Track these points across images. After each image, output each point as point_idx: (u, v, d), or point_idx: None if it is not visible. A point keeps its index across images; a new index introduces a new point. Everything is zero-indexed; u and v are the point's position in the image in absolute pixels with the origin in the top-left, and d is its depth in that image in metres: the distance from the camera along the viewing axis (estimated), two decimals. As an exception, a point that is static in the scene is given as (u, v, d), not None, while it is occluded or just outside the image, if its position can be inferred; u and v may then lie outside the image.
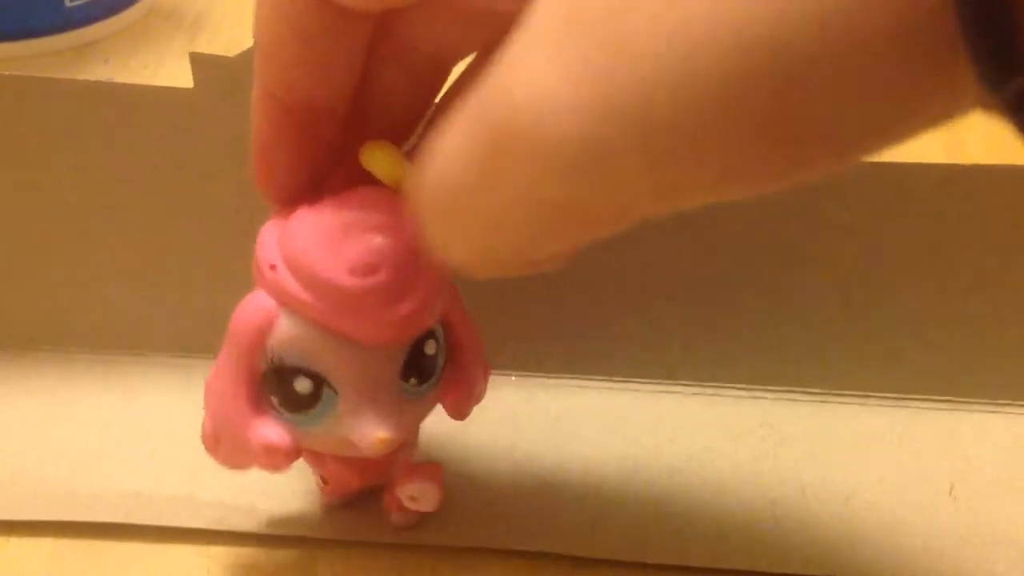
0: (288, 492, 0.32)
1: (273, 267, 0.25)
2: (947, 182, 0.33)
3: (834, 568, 0.30)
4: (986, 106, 0.15)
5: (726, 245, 0.34)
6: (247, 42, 0.59)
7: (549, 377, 0.36)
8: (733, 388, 0.35)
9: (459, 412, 0.28)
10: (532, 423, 0.34)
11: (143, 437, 0.34)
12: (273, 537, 0.31)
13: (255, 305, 0.26)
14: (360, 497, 0.31)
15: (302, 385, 0.25)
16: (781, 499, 0.32)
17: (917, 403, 0.35)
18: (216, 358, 0.27)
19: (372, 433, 0.26)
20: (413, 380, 0.26)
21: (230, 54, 0.32)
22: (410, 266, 0.24)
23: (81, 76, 0.50)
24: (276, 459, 0.26)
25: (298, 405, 0.26)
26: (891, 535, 0.31)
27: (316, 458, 0.29)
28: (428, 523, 0.31)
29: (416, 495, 0.29)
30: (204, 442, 0.28)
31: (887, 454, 0.33)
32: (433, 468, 0.29)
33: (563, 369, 0.36)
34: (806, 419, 0.34)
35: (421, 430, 0.30)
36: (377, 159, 0.25)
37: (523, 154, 0.17)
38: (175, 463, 0.33)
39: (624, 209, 0.18)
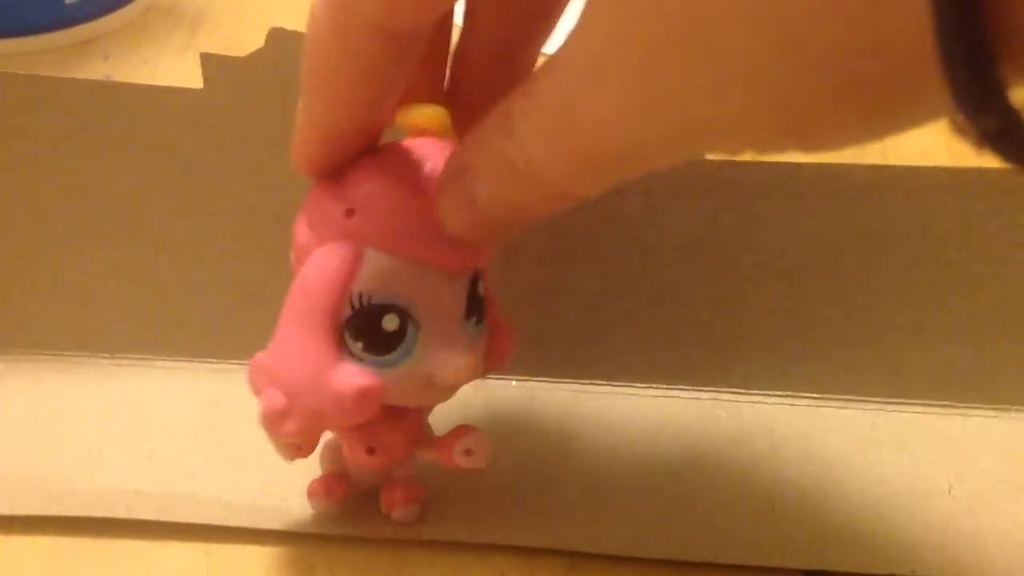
0: (287, 490, 0.32)
1: (351, 211, 0.26)
2: (947, 185, 0.33)
3: (832, 562, 0.30)
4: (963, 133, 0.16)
5: (726, 251, 0.34)
6: (246, 38, 0.60)
7: (550, 382, 0.36)
8: (732, 392, 0.36)
9: (502, 361, 0.30)
10: (532, 425, 0.35)
11: (144, 438, 0.34)
12: (272, 534, 0.31)
13: (335, 256, 0.27)
14: (359, 497, 0.32)
15: (390, 322, 0.27)
16: (780, 498, 0.32)
17: (916, 407, 0.35)
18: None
19: (455, 360, 0.27)
20: (474, 318, 0.28)
21: (229, 50, 0.33)
22: None
23: (80, 73, 0.51)
24: (368, 402, 0.27)
25: (386, 344, 0.27)
26: (889, 531, 0.31)
27: (366, 429, 0.29)
28: (427, 519, 0.31)
29: (472, 447, 0.30)
30: (268, 421, 0.28)
31: (886, 455, 0.34)
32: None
33: (564, 374, 0.36)
34: (805, 422, 0.35)
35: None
36: (425, 114, 0.27)
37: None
38: (175, 463, 0.33)
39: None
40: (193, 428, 0.34)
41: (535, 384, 0.36)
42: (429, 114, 0.27)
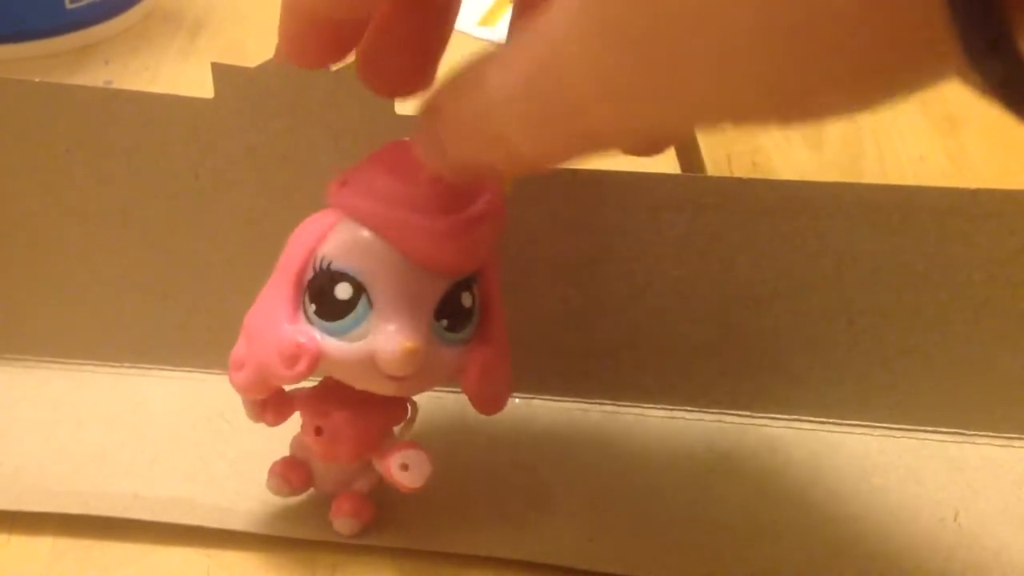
0: (286, 499, 0.33)
1: (344, 183, 0.29)
2: (956, 207, 0.34)
3: None
4: (970, 81, 0.17)
5: (730, 272, 0.35)
6: (247, 44, 0.60)
7: (553, 400, 0.37)
8: (737, 415, 0.36)
9: (478, 392, 0.30)
10: (533, 442, 0.36)
11: (146, 443, 0.35)
12: (274, 540, 0.32)
13: (316, 218, 0.29)
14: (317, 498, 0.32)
15: (343, 290, 0.28)
16: (782, 519, 0.33)
17: (924, 434, 0.36)
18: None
19: (399, 342, 0.28)
20: (445, 322, 0.29)
21: (230, 55, 0.33)
22: (460, 194, 0.28)
23: (81, 78, 0.51)
24: (300, 362, 0.28)
25: (335, 311, 0.28)
26: (893, 556, 0.32)
27: (318, 407, 0.31)
28: (427, 529, 0.32)
29: (408, 462, 0.30)
30: (230, 368, 0.30)
31: (893, 481, 0.35)
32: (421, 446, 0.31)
33: (567, 392, 0.37)
34: (810, 445, 0.35)
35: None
36: None
37: None
38: (176, 469, 0.34)
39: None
40: (195, 435, 0.35)
41: (539, 402, 0.37)
42: None
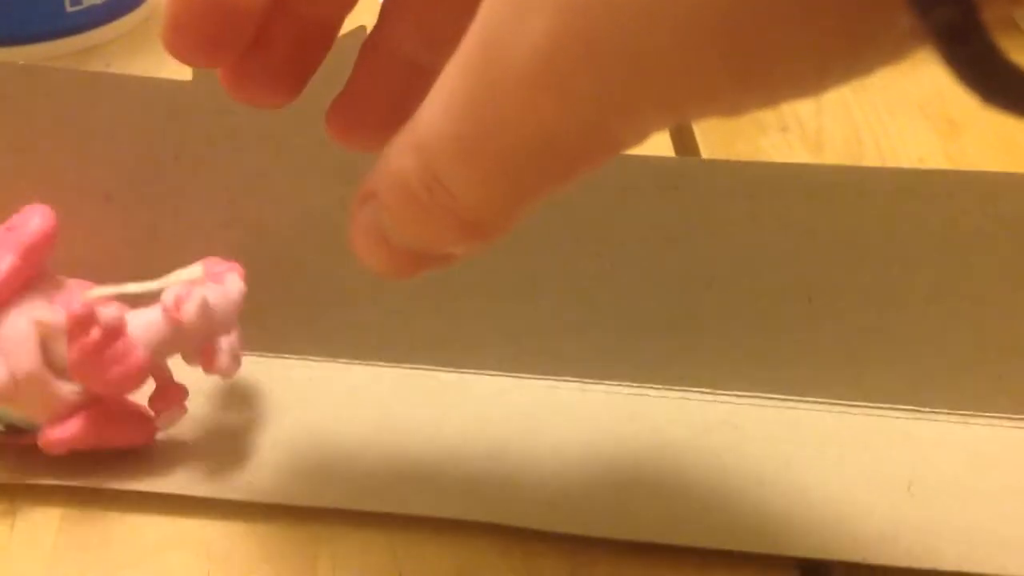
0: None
1: None
2: (913, 187, 0.35)
3: (783, 547, 0.32)
4: (916, 35, 0.16)
5: (692, 252, 0.37)
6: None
7: (523, 377, 0.38)
8: (700, 391, 0.37)
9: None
10: (504, 418, 0.37)
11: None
12: (275, 539, 0.33)
13: None
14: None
15: None
16: (741, 488, 0.35)
17: (881, 410, 0.37)
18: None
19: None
20: None
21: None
22: None
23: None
24: None
25: None
26: (848, 522, 0.34)
27: None
28: (415, 495, 0.34)
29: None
30: None
31: (849, 454, 0.36)
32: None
33: (537, 369, 0.38)
34: (770, 421, 0.37)
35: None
36: None
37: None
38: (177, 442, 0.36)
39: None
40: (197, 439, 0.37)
41: (509, 380, 0.38)
42: None
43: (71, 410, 0.33)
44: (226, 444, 0.35)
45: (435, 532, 0.33)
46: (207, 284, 0.34)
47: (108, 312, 0.32)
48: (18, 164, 0.37)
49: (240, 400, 0.37)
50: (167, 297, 0.33)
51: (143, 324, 0.33)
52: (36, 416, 0.33)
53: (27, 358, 0.32)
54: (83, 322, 0.31)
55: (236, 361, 0.34)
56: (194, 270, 0.34)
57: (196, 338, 0.33)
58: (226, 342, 0.34)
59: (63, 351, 0.32)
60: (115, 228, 0.38)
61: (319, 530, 0.33)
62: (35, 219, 0.34)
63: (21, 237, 0.33)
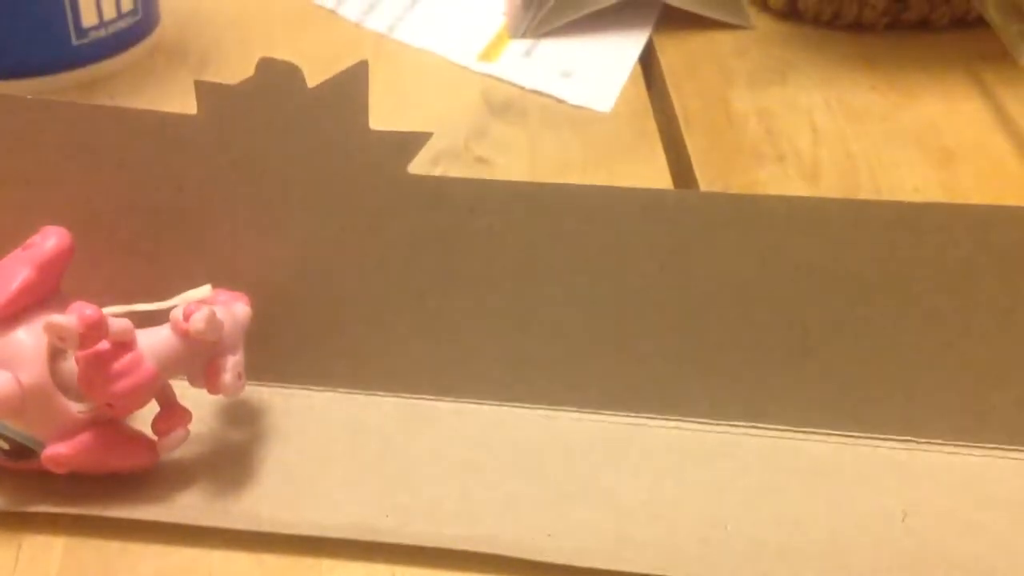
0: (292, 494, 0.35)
1: None
2: (901, 220, 0.36)
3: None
4: None
5: (689, 283, 0.37)
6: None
7: (521, 406, 0.39)
8: (696, 422, 0.38)
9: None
10: (503, 447, 0.38)
11: None
12: (275, 568, 0.34)
13: None
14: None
15: None
16: (734, 519, 0.35)
17: (875, 442, 0.38)
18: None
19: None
20: None
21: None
22: None
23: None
24: None
25: None
26: (840, 554, 0.34)
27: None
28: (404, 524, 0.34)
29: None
30: None
31: (842, 484, 0.36)
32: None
33: (534, 399, 0.39)
34: (765, 452, 0.38)
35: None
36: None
37: None
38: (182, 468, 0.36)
39: None
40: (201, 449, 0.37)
41: (507, 409, 0.39)
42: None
43: (76, 429, 0.33)
44: (227, 472, 0.36)
45: (436, 562, 0.34)
46: (216, 304, 0.34)
47: (119, 323, 0.33)
48: (24, 196, 0.38)
49: (240, 428, 0.38)
50: (176, 313, 0.34)
51: (152, 340, 0.34)
52: (41, 433, 0.33)
53: (36, 370, 0.33)
54: (94, 328, 0.32)
55: (241, 380, 0.35)
56: (203, 290, 0.35)
57: (203, 355, 0.34)
58: (232, 361, 0.34)
59: (72, 369, 0.33)
60: (120, 260, 0.39)
61: (321, 559, 0.34)
62: (52, 238, 0.35)
63: (38, 254, 0.34)
